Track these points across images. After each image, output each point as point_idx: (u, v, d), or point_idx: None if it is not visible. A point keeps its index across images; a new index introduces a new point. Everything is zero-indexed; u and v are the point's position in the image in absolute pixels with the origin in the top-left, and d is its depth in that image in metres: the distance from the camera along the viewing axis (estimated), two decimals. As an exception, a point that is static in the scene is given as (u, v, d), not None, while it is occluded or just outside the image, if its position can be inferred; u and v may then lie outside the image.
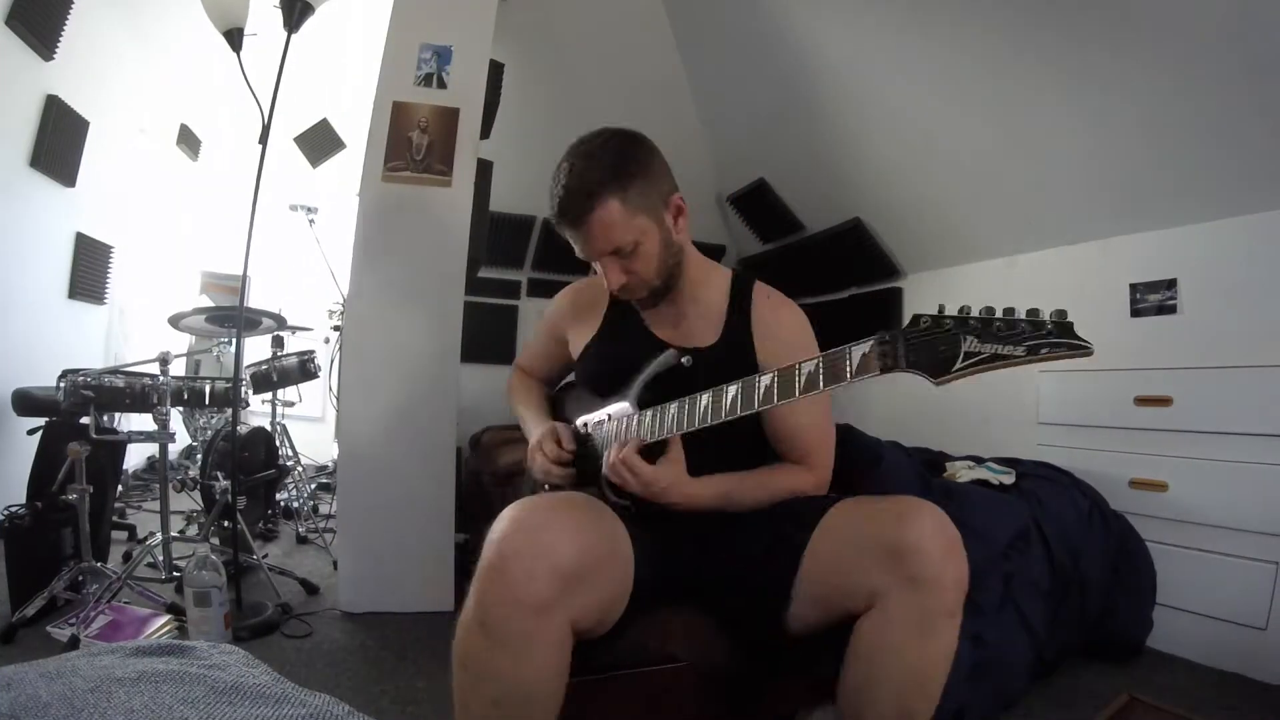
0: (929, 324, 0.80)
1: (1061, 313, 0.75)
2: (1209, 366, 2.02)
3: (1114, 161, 2.18)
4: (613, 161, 1.18)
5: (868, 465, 1.84)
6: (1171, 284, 2.14)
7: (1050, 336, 0.75)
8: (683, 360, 1.23)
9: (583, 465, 1.29)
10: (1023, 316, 0.77)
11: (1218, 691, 1.82)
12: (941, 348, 0.79)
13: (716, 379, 1.08)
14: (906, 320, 0.83)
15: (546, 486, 1.35)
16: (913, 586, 0.95)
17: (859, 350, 0.87)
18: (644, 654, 1.18)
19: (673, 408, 1.13)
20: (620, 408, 1.25)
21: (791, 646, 1.15)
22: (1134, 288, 2.23)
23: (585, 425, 1.35)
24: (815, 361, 0.92)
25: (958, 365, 0.78)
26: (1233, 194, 1.98)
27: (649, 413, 1.18)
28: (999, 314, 0.78)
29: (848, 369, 0.88)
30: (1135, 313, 2.23)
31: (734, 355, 1.27)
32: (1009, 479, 2.16)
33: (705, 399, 1.07)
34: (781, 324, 1.31)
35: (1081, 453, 2.30)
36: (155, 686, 0.65)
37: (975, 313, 0.79)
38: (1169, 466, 2.07)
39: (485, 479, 2.88)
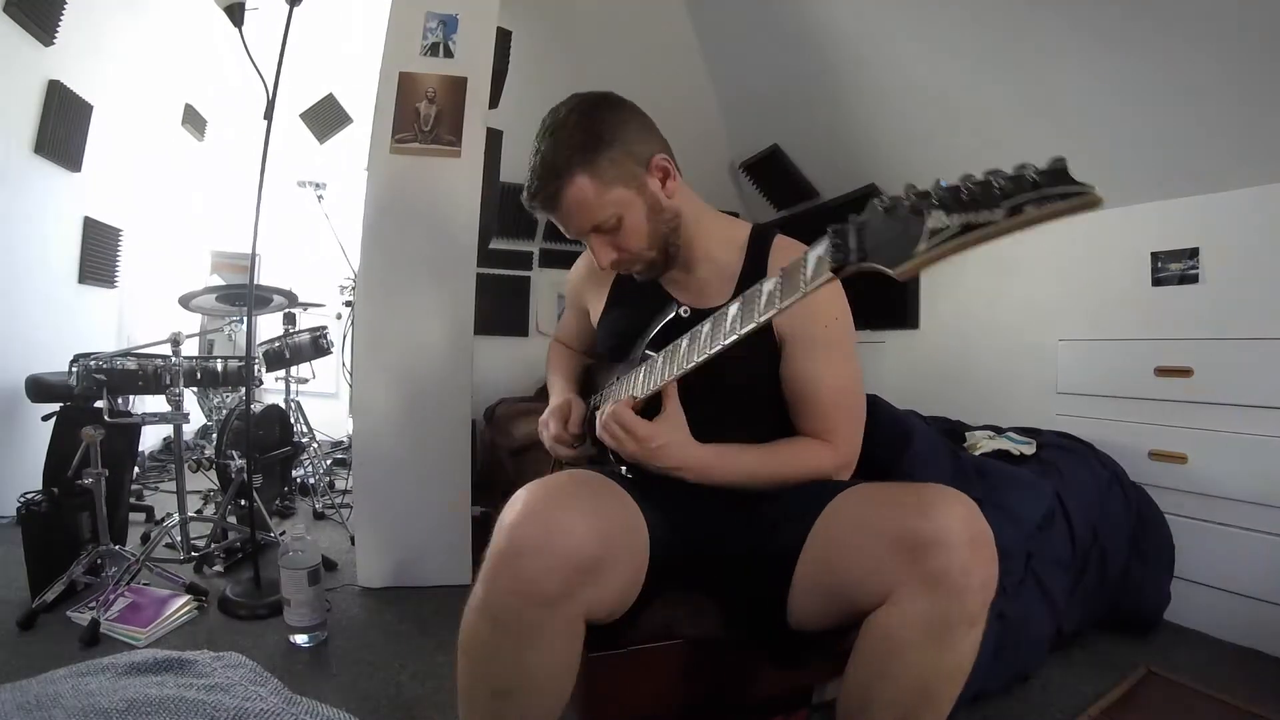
0: (890, 205, 0.66)
1: (1057, 159, 0.57)
2: (1230, 338, 1.98)
3: (1137, 127, 2.11)
4: (578, 136, 1.09)
5: (896, 445, 1.75)
6: (1194, 253, 2.09)
7: (1036, 189, 0.57)
8: (680, 311, 1.17)
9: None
10: (1003, 171, 0.58)
11: (1235, 666, 1.81)
12: (901, 230, 0.64)
13: None
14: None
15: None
16: (931, 586, 0.83)
17: (814, 254, 0.75)
18: (651, 632, 1.15)
19: (659, 359, 1.05)
20: (622, 369, 1.19)
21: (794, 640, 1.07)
22: (1155, 256, 2.18)
23: (598, 398, 1.28)
24: (775, 278, 0.82)
25: (920, 247, 0.62)
26: (1257, 162, 1.92)
27: (641, 368, 1.10)
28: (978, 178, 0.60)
29: (802, 277, 0.77)
30: (1156, 282, 2.18)
31: None
32: (1029, 449, 2.15)
33: (684, 341, 0.98)
34: None
35: (1101, 423, 2.27)
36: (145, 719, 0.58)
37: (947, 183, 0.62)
38: (1189, 438, 2.05)
39: (501, 451, 2.88)
